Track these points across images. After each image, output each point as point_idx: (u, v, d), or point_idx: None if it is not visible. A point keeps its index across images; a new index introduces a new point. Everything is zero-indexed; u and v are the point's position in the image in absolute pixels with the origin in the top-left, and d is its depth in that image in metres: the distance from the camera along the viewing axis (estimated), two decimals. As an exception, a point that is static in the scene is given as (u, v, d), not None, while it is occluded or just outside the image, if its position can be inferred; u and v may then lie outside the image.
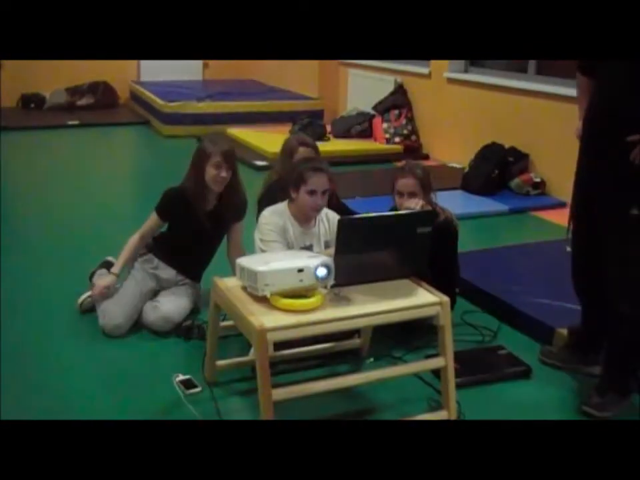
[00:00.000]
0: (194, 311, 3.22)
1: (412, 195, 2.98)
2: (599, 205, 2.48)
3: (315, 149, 3.34)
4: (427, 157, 6.71)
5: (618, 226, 2.41)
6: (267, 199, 3.25)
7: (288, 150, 3.32)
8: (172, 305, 3.09)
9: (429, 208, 2.94)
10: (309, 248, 2.86)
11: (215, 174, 3.05)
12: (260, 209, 3.26)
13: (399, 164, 6.44)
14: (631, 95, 2.31)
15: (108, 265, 3.38)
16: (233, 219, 3.24)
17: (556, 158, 5.37)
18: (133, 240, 3.19)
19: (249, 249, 3.21)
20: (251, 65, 9.76)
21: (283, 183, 3.06)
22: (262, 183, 3.46)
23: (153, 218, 3.19)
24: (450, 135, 6.62)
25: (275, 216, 2.85)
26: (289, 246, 2.83)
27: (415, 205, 2.93)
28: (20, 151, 6.76)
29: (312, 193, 2.77)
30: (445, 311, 2.34)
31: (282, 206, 2.90)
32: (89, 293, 3.24)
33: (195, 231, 3.14)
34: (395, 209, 3.05)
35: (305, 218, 2.87)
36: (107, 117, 8.43)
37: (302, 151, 3.27)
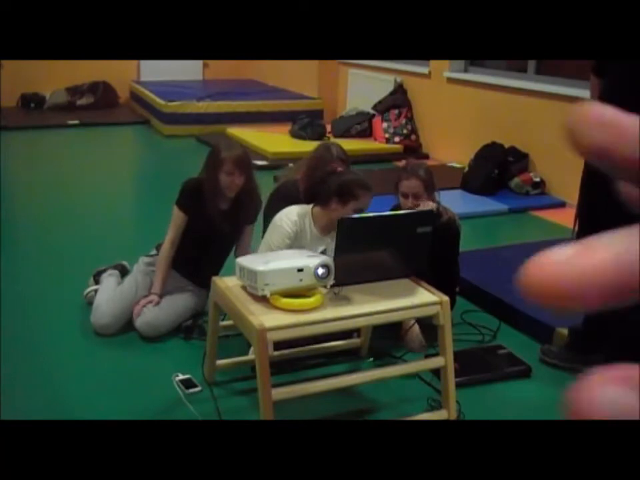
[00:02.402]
0: (196, 313, 3.21)
1: (416, 196, 2.98)
2: (605, 205, 2.48)
3: (348, 165, 3.31)
4: (426, 157, 6.71)
5: (622, 226, 2.42)
6: (279, 198, 3.22)
7: (320, 160, 3.18)
8: (160, 311, 3.03)
9: (436, 208, 2.97)
10: (322, 254, 2.84)
11: (227, 181, 3.04)
12: (269, 205, 3.23)
13: (401, 164, 6.44)
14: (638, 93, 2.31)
15: (122, 268, 3.36)
16: (245, 221, 3.23)
17: (556, 157, 5.37)
18: (165, 251, 3.10)
19: (254, 248, 3.21)
20: (251, 64, 9.76)
21: (315, 188, 2.95)
22: (261, 182, 3.45)
23: (176, 215, 3.11)
24: (450, 134, 6.62)
25: (292, 221, 2.79)
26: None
27: (426, 206, 2.93)
28: (20, 151, 6.76)
29: (359, 211, 2.72)
30: (445, 310, 2.34)
31: (305, 209, 2.85)
32: (94, 287, 3.25)
33: (209, 233, 3.11)
34: (396, 207, 3.05)
35: (331, 228, 2.79)
36: (107, 117, 8.43)
37: (334, 167, 3.21)
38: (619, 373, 0.20)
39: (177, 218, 3.12)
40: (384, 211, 2.79)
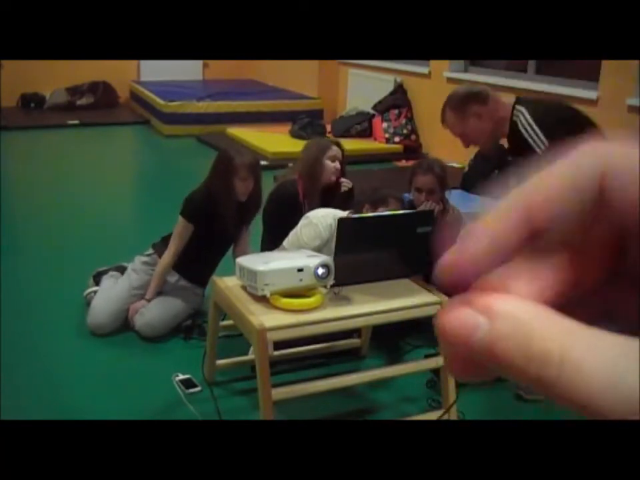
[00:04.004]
0: (194, 312, 3.22)
1: (430, 192, 3.01)
2: None
3: (343, 154, 3.34)
4: (426, 157, 6.72)
5: None
6: (278, 198, 3.26)
7: (321, 147, 3.28)
8: (159, 311, 3.04)
9: (442, 207, 3.00)
10: None
11: (242, 186, 3.04)
12: (269, 205, 3.25)
13: (400, 164, 6.45)
14: None
15: (122, 270, 3.36)
16: (246, 221, 3.25)
17: (556, 158, 5.37)
18: (166, 261, 3.10)
19: (255, 248, 3.22)
20: (251, 64, 9.75)
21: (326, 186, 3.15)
22: (263, 182, 3.45)
23: (183, 225, 3.08)
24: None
25: (327, 224, 2.79)
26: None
27: (432, 207, 2.95)
28: (20, 151, 6.76)
29: None
30: (445, 310, 2.34)
31: (342, 215, 2.86)
32: (94, 288, 3.25)
33: (213, 235, 3.12)
34: (411, 203, 3.06)
35: None
36: (107, 117, 8.43)
37: (335, 149, 3.26)
38: (471, 298, 0.24)
39: (183, 229, 3.10)
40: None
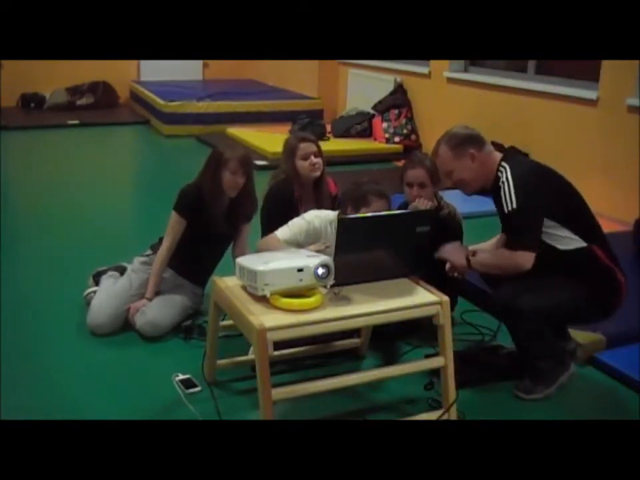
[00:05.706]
0: (194, 312, 3.22)
1: (421, 185, 3.00)
2: None
3: (316, 143, 3.36)
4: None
5: None
6: (274, 197, 3.28)
7: (289, 148, 3.34)
8: (160, 310, 3.04)
9: (436, 204, 2.99)
10: None
11: (231, 179, 3.05)
12: (265, 206, 3.27)
13: (400, 164, 6.44)
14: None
15: (122, 270, 3.35)
16: (243, 220, 3.25)
17: (555, 158, 5.37)
18: (161, 257, 3.11)
19: (253, 249, 3.22)
20: (251, 64, 9.75)
21: (289, 182, 3.24)
22: (261, 182, 3.46)
23: (175, 220, 3.10)
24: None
25: (316, 225, 2.88)
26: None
27: (425, 205, 2.95)
28: (20, 151, 6.76)
29: None
30: (445, 310, 2.34)
31: (333, 215, 2.93)
32: (94, 288, 3.25)
33: (207, 232, 3.12)
34: (403, 206, 3.06)
35: None
36: (107, 117, 8.43)
37: (303, 147, 3.29)
38: None
39: (176, 224, 3.11)
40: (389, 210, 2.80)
